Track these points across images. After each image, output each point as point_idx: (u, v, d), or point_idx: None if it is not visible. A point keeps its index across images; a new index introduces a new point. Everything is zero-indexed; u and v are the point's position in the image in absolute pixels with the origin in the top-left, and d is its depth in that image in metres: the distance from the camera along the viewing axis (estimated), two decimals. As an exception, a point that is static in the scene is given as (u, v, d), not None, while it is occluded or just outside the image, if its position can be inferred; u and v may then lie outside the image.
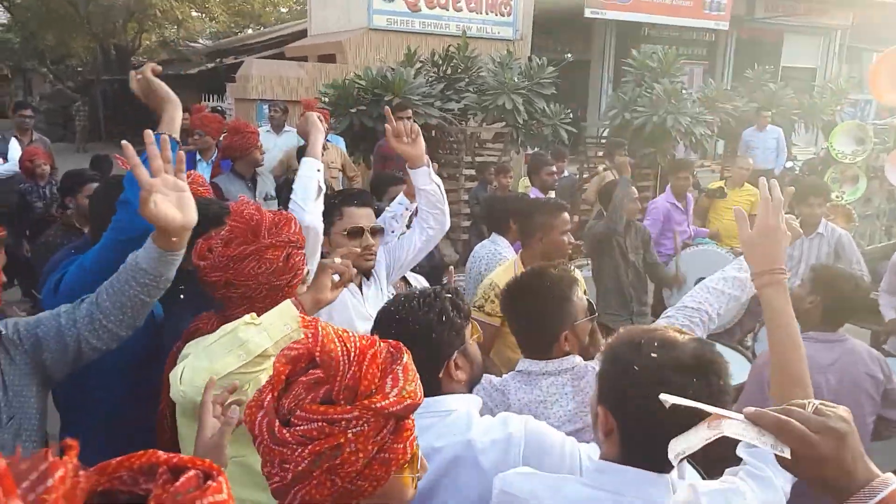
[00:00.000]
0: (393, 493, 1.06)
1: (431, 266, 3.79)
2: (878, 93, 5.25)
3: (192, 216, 1.56)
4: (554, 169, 5.72)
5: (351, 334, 1.03)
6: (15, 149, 6.26)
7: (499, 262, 3.49)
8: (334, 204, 2.49)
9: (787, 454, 0.90)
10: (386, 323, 1.59)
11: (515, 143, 8.45)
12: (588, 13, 11.44)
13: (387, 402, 0.98)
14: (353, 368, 0.98)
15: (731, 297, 1.82)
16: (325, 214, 2.30)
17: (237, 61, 14.03)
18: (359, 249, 2.45)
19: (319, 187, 2.22)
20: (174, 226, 1.51)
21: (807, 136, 11.98)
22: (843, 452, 0.91)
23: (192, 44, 24.05)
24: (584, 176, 8.98)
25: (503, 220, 3.71)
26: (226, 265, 1.68)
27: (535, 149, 8.62)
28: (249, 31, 25.42)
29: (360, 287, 2.57)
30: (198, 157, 6.05)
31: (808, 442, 0.90)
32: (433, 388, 1.51)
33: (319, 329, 1.01)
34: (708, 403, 1.04)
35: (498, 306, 2.70)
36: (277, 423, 0.97)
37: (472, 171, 7.88)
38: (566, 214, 3.09)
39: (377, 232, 2.56)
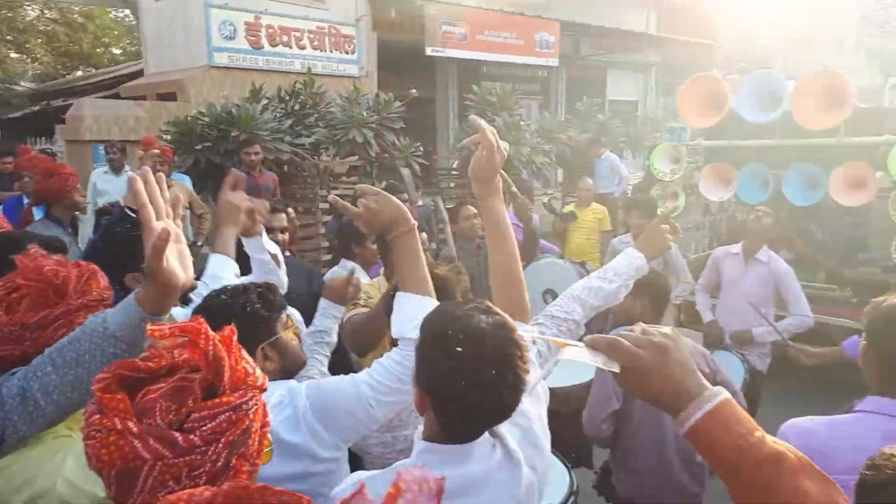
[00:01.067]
0: None
1: (311, 294, 3.76)
2: (686, 117, 5.93)
3: (192, 274, 1.33)
4: (407, 198, 5.88)
5: (201, 327, 1.00)
6: None
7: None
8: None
9: (616, 369, 1.02)
10: (197, 312, 1.69)
11: (370, 175, 8.56)
12: (429, 51, 11.91)
13: (259, 377, 1.02)
14: (233, 357, 1.00)
15: (593, 307, 1.95)
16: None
17: (67, 103, 13.14)
18: None
19: None
20: (178, 285, 1.27)
21: (634, 162, 13.16)
22: (668, 365, 1.02)
23: (12, 86, 22.19)
24: (445, 206, 9.27)
25: (346, 246, 3.78)
26: (20, 336, 1.38)
27: (390, 181, 8.79)
28: (79, 72, 23.89)
29: None
30: (25, 200, 5.62)
31: (634, 355, 1.02)
32: None
33: (187, 334, 0.99)
34: (505, 395, 1.24)
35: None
36: (179, 435, 0.93)
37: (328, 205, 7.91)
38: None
39: None
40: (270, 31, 10.91)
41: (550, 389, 1.79)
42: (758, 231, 4.54)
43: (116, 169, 6.85)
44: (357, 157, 8.33)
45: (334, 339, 2.52)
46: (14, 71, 21.95)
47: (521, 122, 9.49)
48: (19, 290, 1.41)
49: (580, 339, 1.09)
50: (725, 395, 1.02)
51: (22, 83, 23.43)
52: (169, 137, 7.48)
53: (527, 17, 13.83)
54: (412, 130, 9.15)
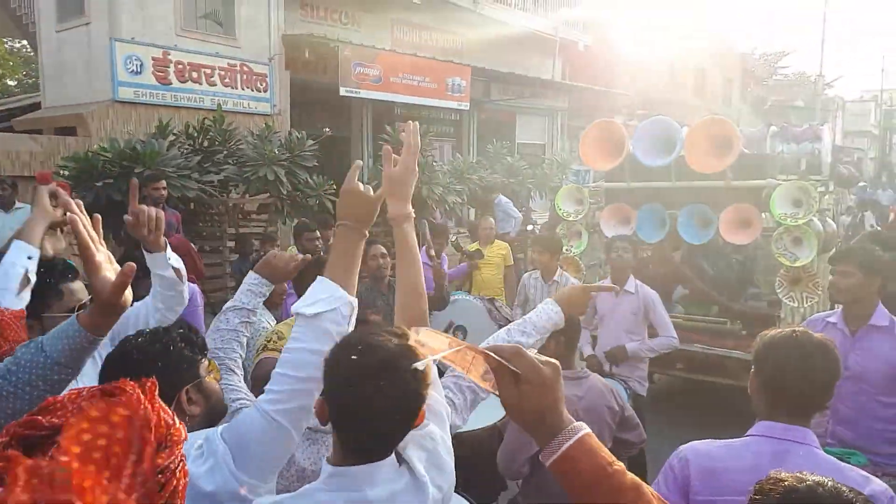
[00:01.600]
0: None
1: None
2: (587, 160, 6.24)
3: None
4: (318, 235, 5.86)
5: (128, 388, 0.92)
6: None
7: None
8: (49, 283, 2.18)
9: (518, 370, 1.08)
10: (115, 358, 1.62)
11: (281, 213, 8.48)
12: (343, 91, 11.99)
13: (181, 430, 0.96)
14: (156, 411, 0.91)
15: (525, 343, 2.05)
16: (42, 296, 2.06)
17: (-49, 135, 12.33)
18: None
19: (27, 278, 1.93)
20: (126, 307, 1.37)
21: (542, 202, 13.62)
22: (558, 385, 1.10)
23: None
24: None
25: None
26: None
27: (301, 220, 8.73)
28: (-34, 103, 22.51)
29: None
30: None
31: (535, 366, 1.09)
32: None
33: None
34: (396, 405, 1.30)
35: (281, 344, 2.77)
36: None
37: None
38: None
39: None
40: (180, 66, 10.71)
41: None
42: (620, 266, 4.89)
43: (6, 205, 6.49)
44: (268, 194, 8.25)
45: (255, 320, 2.37)
46: None
47: (434, 163, 9.69)
48: None
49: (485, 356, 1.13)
50: (587, 429, 1.10)
51: None
52: (67, 173, 7.17)
53: (439, 61, 14.20)
54: (326, 168, 9.15)
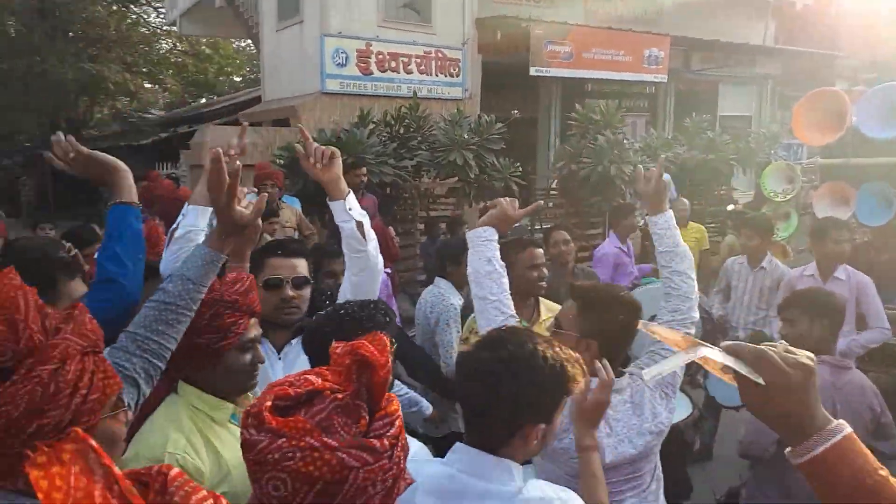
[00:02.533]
0: None
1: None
2: (801, 134, 5.61)
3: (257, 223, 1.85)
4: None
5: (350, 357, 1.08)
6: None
7: (441, 303, 3.62)
8: (256, 256, 2.26)
9: (761, 381, 0.98)
10: (327, 319, 1.79)
11: (468, 196, 8.67)
12: (533, 71, 11.92)
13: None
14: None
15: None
16: (251, 268, 2.17)
17: (191, 129, 14.15)
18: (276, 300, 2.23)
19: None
20: (242, 225, 1.69)
21: (745, 180, 12.54)
22: (809, 387, 0.99)
23: (145, 114, 24.15)
24: (540, 227, 9.25)
25: (442, 265, 3.83)
26: None
27: (487, 202, 8.88)
28: (203, 100, 25.70)
29: (279, 350, 2.28)
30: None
31: (781, 371, 0.98)
32: None
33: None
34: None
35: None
36: (377, 441, 1.03)
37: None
38: (534, 250, 3.18)
39: (302, 284, 2.31)
40: (380, 57, 11.32)
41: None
42: (835, 254, 4.31)
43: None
44: (457, 178, 8.46)
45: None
46: (147, 100, 23.85)
47: (625, 141, 9.30)
48: None
49: (717, 345, 1.06)
50: (849, 429, 0.99)
51: (153, 111, 25.49)
52: (281, 162, 7.90)
53: (636, 33, 13.57)
54: (512, 151, 9.19)
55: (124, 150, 19.68)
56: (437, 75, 11.94)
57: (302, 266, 2.33)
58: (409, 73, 11.59)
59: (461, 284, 3.90)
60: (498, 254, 2.33)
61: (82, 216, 15.75)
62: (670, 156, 10.26)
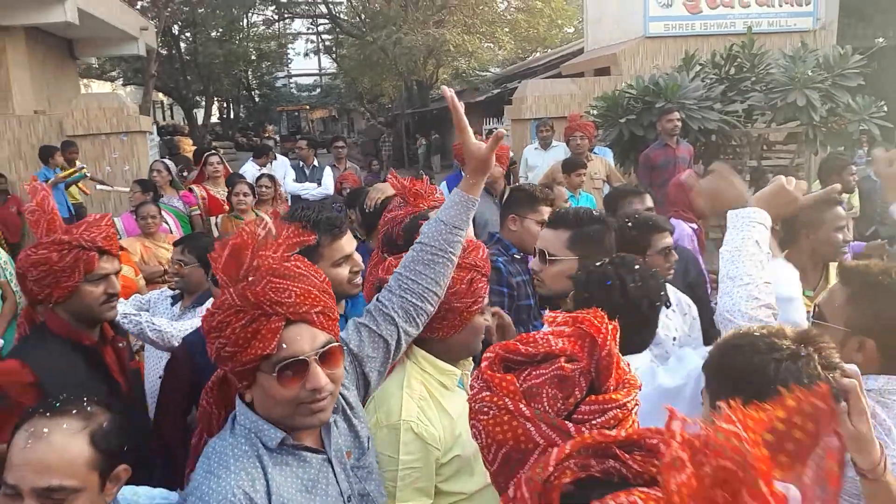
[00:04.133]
0: None
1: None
2: None
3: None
4: (854, 168, 4.95)
5: (600, 323, 0.99)
6: (328, 175, 7.33)
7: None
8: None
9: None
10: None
11: (812, 143, 7.51)
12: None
13: (636, 377, 1.01)
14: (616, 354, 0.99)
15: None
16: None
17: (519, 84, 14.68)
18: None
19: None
20: (487, 170, 1.71)
21: None
22: None
23: (482, 73, 25.74)
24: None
25: None
26: None
27: (840, 148, 7.57)
28: (537, 54, 26.46)
29: None
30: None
31: None
32: None
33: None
34: None
35: None
36: (572, 426, 0.94)
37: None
38: (839, 209, 2.66)
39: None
40: (712, -9, 10.34)
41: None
42: None
43: (544, 145, 7.37)
44: (798, 122, 7.37)
45: None
46: (485, 59, 25.36)
47: None
48: None
49: None
50: None
51: (491, 69, 27.04)
52: (596, 112, 7.73)
53: None
54: (877, 87, 7.68)
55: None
56: (780, 6, 10.47)
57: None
58: (746, 5, 10.37)
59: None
60: (767, 237, 1.92)
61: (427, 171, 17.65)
62: None
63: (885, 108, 7.34)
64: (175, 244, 3.31)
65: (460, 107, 1.67)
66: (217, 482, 1.24)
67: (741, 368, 1.30)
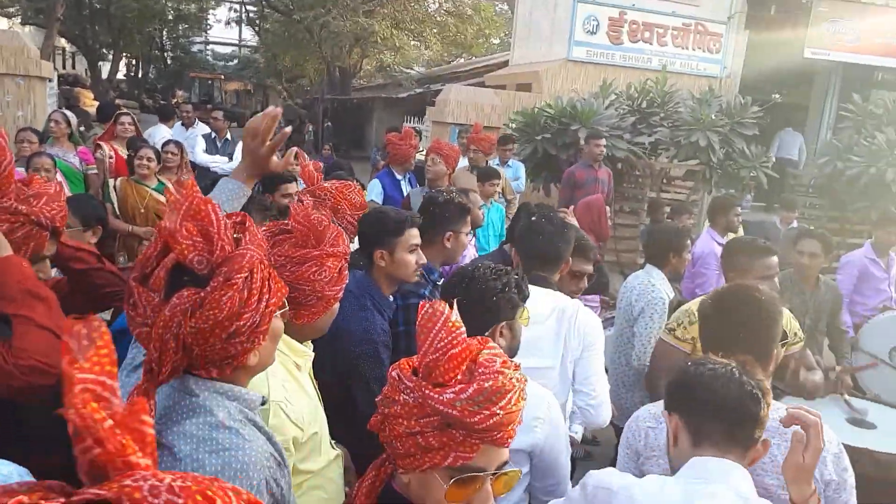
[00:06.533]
0: None
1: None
2: None
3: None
4: (739, 211, 5.32)
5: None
6: (241, 150, 7.13)
7: (650, 293, 3.36)
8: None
9: None
10: (455, 281, 1.92)
11: (708, 182, 8.03)
12: (808, 53, 10.58)
13: None
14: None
15: None
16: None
17: (443, 87, 14.80)
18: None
19: None
20: (263, 166, 1.76)
21: None
22: None
23: (407, 70, 25.74)
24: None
25: (661, 253, 3.55)
26: (282, 265, 1.63)
27: (731, 191, 8.14)
28: (461, 60, 26.71)
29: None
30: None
31: None
32: None
33: None
34: None
35: (690, 332, 2.66)
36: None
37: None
38: (772, 259, 2.82)
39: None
40: (633, 26, 10.82)
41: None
42: None
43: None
44: (697, 161, 7.86)
45: None
46: (410, 56, 25.37)
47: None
48: (287, 233, 1.70)
49: None
50: None
51: (415, 68, 27.07)
52: (514, 125, 7.93)
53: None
54: (768, 138, 8.30)
55: (384, 101, 21.32)
56: (693, 49, 11.12)
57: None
58: (663, 45, 10.93)
59: (677, 277, 3.61)
60: None
61: (343, 155, 17.46)
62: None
63: (774, 159, 7.95)
64: (56, 205, 3.09)
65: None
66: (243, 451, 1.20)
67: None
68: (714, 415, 1.44)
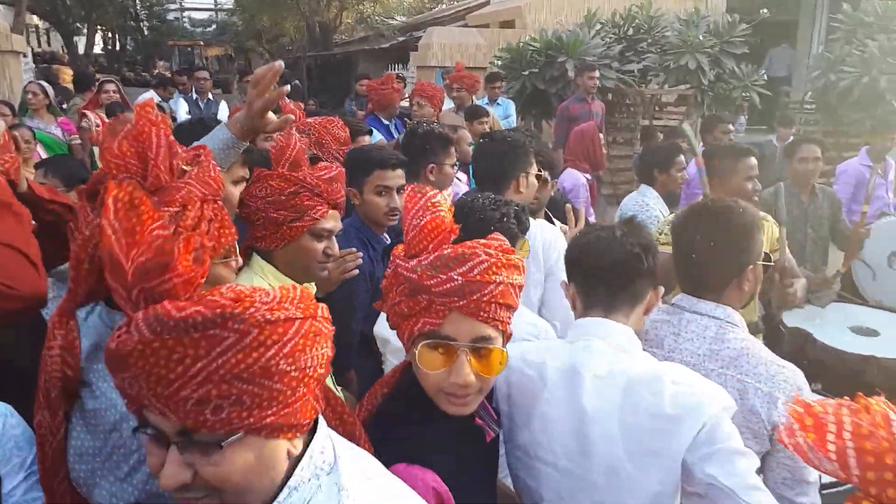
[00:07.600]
0: None
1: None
2: None
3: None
4: (731, 128, 5.27)
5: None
6: (224, 109, 7.03)
7: (645, 212, 3.35)
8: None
9: None
10: (457, 210, 1.80)
11: (700, 106, 7.92)
12: (796, -36, 10.31)
13: None
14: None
15: None
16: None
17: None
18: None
19: None
20: (260, 123, 1.65)
21: None
22: None
23: (388, 20, 25.18)
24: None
25: (647, 170, 3.57)
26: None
27: (713, 113, 8.03)
28: (443, 6, 26.10)
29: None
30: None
31: None
32: None
33: None
34: None
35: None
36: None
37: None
38: (752, 159, 2.87)
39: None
40: (615, -49, 10.51)
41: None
42: None
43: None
44: (688, 85, 7.74)
45: None
46: (391, 5, 24.82)
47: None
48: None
49: None
50: None
51: (396, 17, 26.48)
52: (500, 63, 7.79)
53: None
54: (759, 58, 8.16)
55: (366, 53, 20.92)
56: (679, -30, 10.82)
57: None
58: (648, -32, 10.62)
59: (674, 199, 3.63)
60: None
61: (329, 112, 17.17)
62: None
63: (766, 77, 7.83)
64: (36, 167, 3.03)
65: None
66: None
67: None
68: (599, 278, 1.47)
